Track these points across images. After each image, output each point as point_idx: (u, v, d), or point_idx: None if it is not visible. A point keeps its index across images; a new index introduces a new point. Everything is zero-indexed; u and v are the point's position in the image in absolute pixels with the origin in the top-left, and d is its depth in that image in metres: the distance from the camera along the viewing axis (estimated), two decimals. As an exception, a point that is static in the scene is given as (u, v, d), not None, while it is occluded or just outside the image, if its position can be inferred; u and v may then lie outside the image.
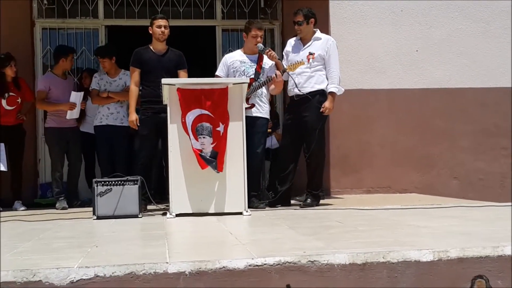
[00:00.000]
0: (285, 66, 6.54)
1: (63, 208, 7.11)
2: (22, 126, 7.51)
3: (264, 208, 6.39)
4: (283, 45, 7.38)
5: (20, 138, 7.48)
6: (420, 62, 8.57)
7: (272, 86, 6.59)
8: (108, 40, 8.23)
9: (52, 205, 7.35)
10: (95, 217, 5.81)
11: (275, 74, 6.41)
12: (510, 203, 6.30)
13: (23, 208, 7.23)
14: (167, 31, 6.56)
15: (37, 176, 8.07)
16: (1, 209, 7.09)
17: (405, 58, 8.54)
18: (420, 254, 3.39)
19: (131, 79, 6.67)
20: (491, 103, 8.62)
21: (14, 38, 7.87)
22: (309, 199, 6.58)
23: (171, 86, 5.83)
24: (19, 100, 7.37)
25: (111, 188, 5.85)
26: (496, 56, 8.64)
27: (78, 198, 7.51)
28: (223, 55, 7.26)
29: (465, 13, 8.64)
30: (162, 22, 6.55)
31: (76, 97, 7.23)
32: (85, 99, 7.59)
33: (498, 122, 8.62)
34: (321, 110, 6.48)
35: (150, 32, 6.59)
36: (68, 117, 7.26)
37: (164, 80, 5.86)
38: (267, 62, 6.64)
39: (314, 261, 3.29)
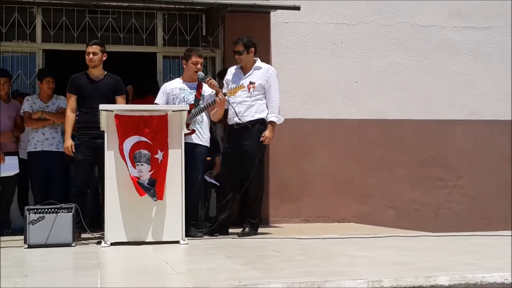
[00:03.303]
0: (225, 91, 6.53)
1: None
2: None
3: (202, 236, 6.32)
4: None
5: None
6: (359, 93, 8.71)
7: (214, 110, 6.54)
8: (46, 64, 8.07)
9: (-19, 233, 7.08)
10: (26, 246, 5.63)
11: (219, 97, 6.37)
12: (443, 234, 6.42)
13: None
14: (97, 57, 6.46)
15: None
16: None
17: (344, 89, 8.67)
18: (355, 284, 3.41)
19: (68, 105, 6.56)
20: (426, 135, 8.82)
21: None
22: (247, 228, 6.54)
23: (109, 112, 5.74)
24: None
25: (43, 216, 5.69)
26: (432, 89, 8.86)
27: (9, 226, 7.27)
28: (163, 82, 7.21)
29: (403, 46, 8.85)
30: (90, 49, 6.47)
31: (13, 160, 7.11)
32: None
33: (433, 153, 8.81)
34: (261, 139, 6.50)
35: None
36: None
37: (102, 106, 5.78)
38: (207, 90, 6.63)
39: (249, 291, 3.26)
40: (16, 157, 7.19)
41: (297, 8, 7.96)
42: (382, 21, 8.83)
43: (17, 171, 7.15)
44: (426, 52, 8.92)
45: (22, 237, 5.85)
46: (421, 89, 8.87)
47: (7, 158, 7.07)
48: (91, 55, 6.45)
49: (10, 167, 7.12)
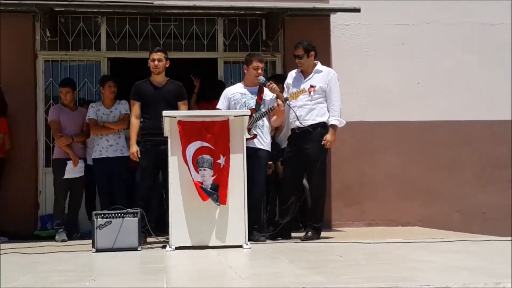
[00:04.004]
0: (286, 96, 6.54)
1: (63, 241, 7.06)
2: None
3: (265, 241, 6.33)
4: (285, 77, 7.39)
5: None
6: (421, 95, 8.57)
7: (274, 117, 6.58)
8: (110, 72, 8.26)
9: (52, 237, 7.28)
10: (94, 250, 5.76)
11: (277, 103, 6.40)
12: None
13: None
14: (161, 64, 6.58)
15: (37, 208, 8.02)
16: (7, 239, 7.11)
17: (407, 90, 8.55)
18: (422, 290, 3.35)
19: (131, 112, 6.69)
20: (496, 135, 8.59)
21: (17, 70, 7.93)
22: (310, 232, 6.53)
23: (172, 119, 5.83)
24: None
25: (110, 221, 5.82)
26: (500, 88, 8.64)
27: (78, 230, 7.46)
28: (225, 87, 7.26)
29: (467, 46, 8.66)
30: (155, 55, 6.59)
31: (80, 164, 7.35)
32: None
33: (503, 154, 8.58)
34: (322, 143, 6.47)
35: (149, 65, 6.63)
36: (66, 175, 7.30)
37: (165, 113, 5.87)
38: (268, 94, 6.64)
39: (314, 296, 3.25)
40: (82, 161, 7.38)
41: (357, 10, 7.89)
42: (445, 21, 8.67)
43: (81, 174, 7.34)
44: (492, 51, 8.69)
45: (90, 241, 6.00)
46: (489, 88, 8.67)
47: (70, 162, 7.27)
48: (156, 62, 6.56)
49: (74, 170, 7.31)
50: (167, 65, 6.64)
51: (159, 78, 6.63)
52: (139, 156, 6.51)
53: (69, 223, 7.45)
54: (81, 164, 7.37)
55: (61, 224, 7.29)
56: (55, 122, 7.39)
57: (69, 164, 7.27)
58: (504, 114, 8.66)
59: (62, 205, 7.38)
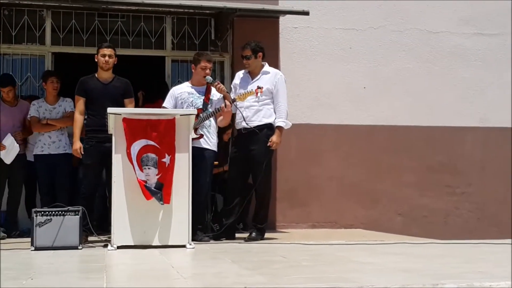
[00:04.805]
0: (233, 97, 6.54)
1: (1, 238, 6.88)
2: None
3: (209, 241, 6.31)
4: (233, 77, 7.39)
5: None
6: (367, 99, 8.69)
7: (220, 117, 6.57)
8: (55, 67, 8.10)
9: (-9, 235, 7.10)
10: (33, 248, 5.63)
11: (224, 104, 6.39)
12: (451, 241, 6.38)
13: None
14: (111, 60, 6.49)
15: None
16: None
17: (353, 94, 8.66)
18: (362, 291, 3.38)
19: (76, 107, 6.58)
20: (435, 141, 8.78)
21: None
22: (254, 233, 6.53)
23: (117, 116, 5.75)
24: None
25: (51, 219, 5.70)
26: (441, 96, 8.83)
27: (17, 228, 7.28)
28: (172, 86, 7.21)
29: (412, 52, 8.82)
30: (106, 51, 6.48)
31: (8, 140, 7.06)
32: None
33: (442, 160, 8.78)
34: (268, 144, 6.48)
35: (96, 60, 6.52)
36: (1, 156, 7.07)
37: (110, 109, 5.79)
38: (215, 94, 6.63)
39: (255, 296, 3.25)
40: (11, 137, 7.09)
41: (306, 13, 7.95)
42: (392, 27, 8.81)
43: (17, 150, 7.10)
44: (435, 59, 8.89)
45: (29, 239, 5.86)
46: (430, 95, 8.84)
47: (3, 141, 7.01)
48: (107, 57, 6.45)
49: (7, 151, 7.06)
50: (115, 62, 6.55)
51: (106, 75, 6.53)
52: (82, 153, 6.40)
53: (8, 220, 7.27)
54: (9, 139, 7.06)
55: None
56: None
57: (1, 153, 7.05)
58: (443, 120, 8.84)
59: None
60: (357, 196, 8.54)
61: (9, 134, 7.06)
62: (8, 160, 7.08)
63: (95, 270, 4.31)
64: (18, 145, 7.09)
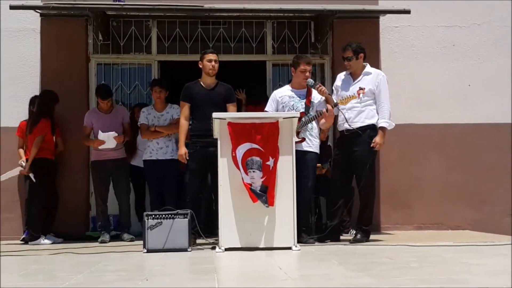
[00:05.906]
0: (335, 101, 6.54)
1: (102, 242, 7.16)
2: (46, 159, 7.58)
3: (314, 243, 6.34)
4: (333, 79, 7.39)
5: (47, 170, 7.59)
6: (471, 97, 8.46)
7: (323, 121, 6.59)
8: (160, 75, 8.39)
9: (105, 238, 7.43)
10: (145, 250, 5.86)
11: (326, 109, 6.41)
12: None
13: (49, 242, 7.31)
14: (217, 65, 6.64)
15: (89, 209, 8.17)
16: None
17: (456, 92, 8.45)
18: (474, 293, 3.32)
19: (181, 113, 6.75)
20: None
21: (69, 73, 8.09)
22: (359, 235, 6.51)
23: (222, 120, 5.88)
24: None
25: (161, 222, 5.91)
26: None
27: (129, 231, 7.57)
28: (273, 90, 7.29)
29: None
30: (212, 56, 6.64)
31: (103, 136, 7.38)
32: (136, 133, 7.76)
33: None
34: (371, 145, 6.45)
35: (200, 66, 6.68)
36: (102, 147, 7.39)
37: (215, 114, 5.93)
38: (316, 97, 6.66)
39: (365, 298, 3.26)
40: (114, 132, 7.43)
41: (407, 11, 7.82)
42: (496, 23, 8.53)
43: (113, 146, 7.42)
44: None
45: (140, 242, 6.10)
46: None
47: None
48: (213, 63, 6.61)
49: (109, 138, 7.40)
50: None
51: (210, 80, 6.69)
52: (187, 158, 6.58)
53: (121, 223, 7.61)
54: (111, 134, 7.40)
55: (103, 226, 7.44)
56: (86, 128, 7.54)
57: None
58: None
59: (101, 206, 7.51)
60: (463, 197, 8.32)
61: (100, 132, 7.39)
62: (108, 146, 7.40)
63: (206, 272, 4.43)
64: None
